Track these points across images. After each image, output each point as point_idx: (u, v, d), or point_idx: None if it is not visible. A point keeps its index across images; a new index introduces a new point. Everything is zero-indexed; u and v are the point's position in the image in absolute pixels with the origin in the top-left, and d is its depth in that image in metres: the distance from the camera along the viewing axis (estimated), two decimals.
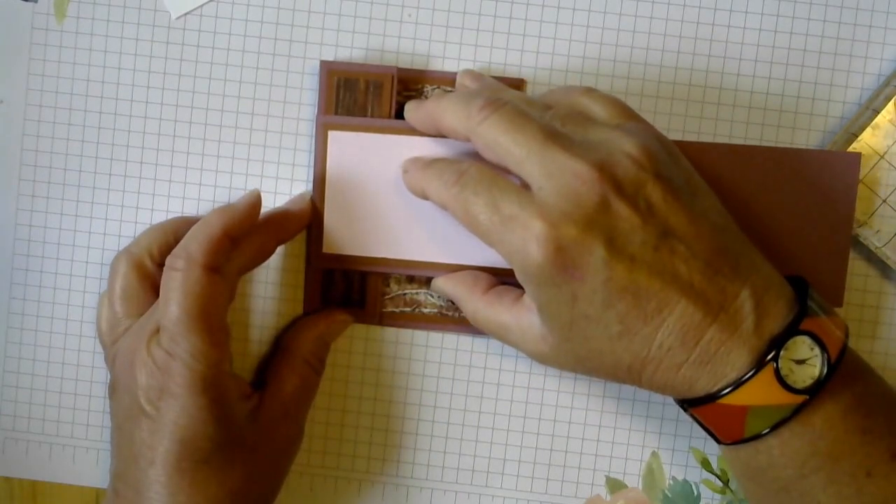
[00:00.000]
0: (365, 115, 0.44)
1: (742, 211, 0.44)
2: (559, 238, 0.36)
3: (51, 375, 0.47)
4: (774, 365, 0.36)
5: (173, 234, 0.43)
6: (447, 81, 0.45)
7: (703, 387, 0.37)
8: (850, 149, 0.44)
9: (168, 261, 0.39)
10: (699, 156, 0.44)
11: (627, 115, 0.40)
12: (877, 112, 0.44)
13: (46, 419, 0.47)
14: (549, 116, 0.39)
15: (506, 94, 0.41)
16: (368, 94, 0.44)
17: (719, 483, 0.46)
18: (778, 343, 0.36)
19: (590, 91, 0.41)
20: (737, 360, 0.36)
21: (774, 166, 0.43)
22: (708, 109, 0.45)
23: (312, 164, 0.45)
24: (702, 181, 0.40)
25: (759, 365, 0.36)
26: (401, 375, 0.46)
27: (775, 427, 0.37)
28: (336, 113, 0.44)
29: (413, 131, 0.44)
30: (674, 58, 0.45)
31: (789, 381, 0.36)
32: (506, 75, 0.45)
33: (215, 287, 0.39)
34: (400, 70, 0.45)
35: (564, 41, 0.45)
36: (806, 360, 0.36)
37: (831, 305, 0.39)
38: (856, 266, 0.46)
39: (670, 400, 0.46)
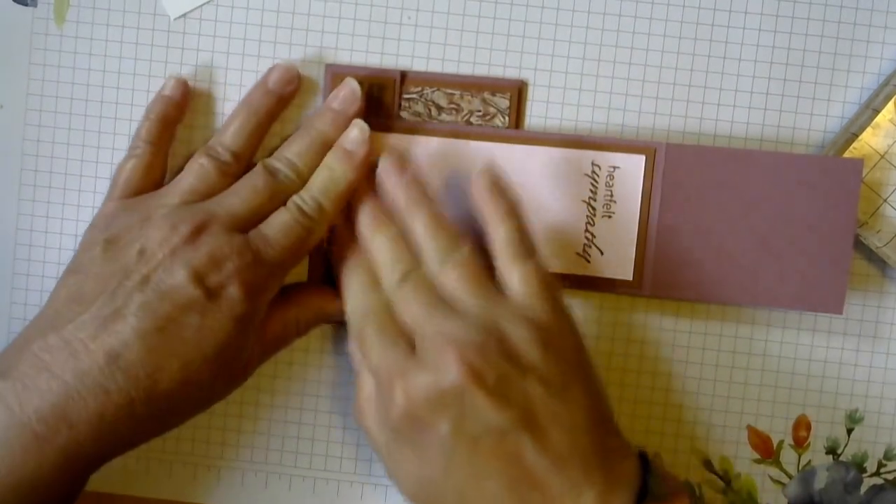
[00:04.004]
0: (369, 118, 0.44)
1: (743, 215, 0.44)
2: (411, 408, 0.38)
3: None
4: None
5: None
6: (449, 84, 0.45)
7: None
8: (851, 148, 0.44)
9: (297, 200, 0.41)
10: (702, 160, 0.44)
11: (541, 293, 0.40)
12: (877, 112, 0.44)
13: None
14: (451, 267, 0.41)
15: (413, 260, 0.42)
16: (372, 97, 0.45)
17: (721, 483, 0.47)
18: None
19: (526, 258, 0.41)
20: None
21: (776, 171, 0.44)
22: (708, 110, 0.45)
23: None
24: (585, 372, 0.40)
25: None
26: None
27: None
28: None
29: (418, 130, 0.44)
30: (673, 59, 0.45)
31: None
32: (506, 77, 0.45)
33: (320, 238, 0.42)
34: (403, 73, 0.45)
35: (564, 42, 0.45)
36: None
37: (677, 479, 0.40)
38: (857, 266, 0.46)
39: (671, 401, 0.46)
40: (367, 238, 0.43)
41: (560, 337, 0.40)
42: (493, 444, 0.38)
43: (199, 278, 0.39)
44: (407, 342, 0.40)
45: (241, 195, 0.41)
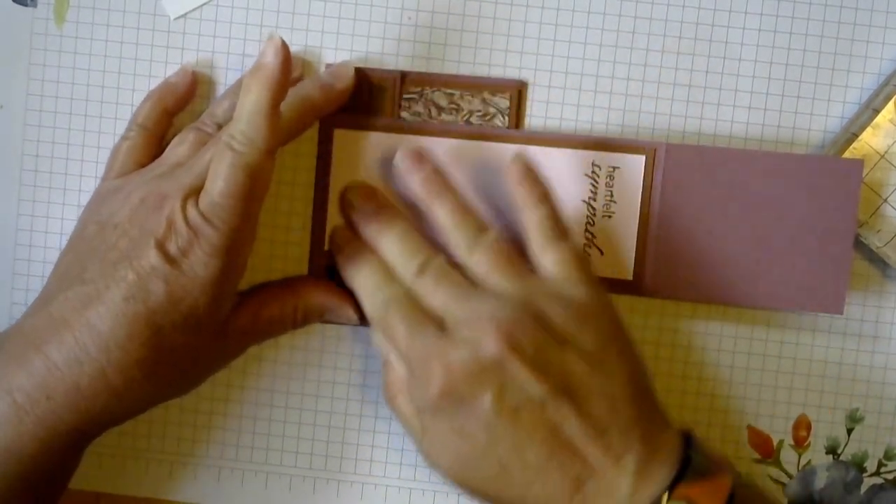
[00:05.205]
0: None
1: (743, 215, 0.44)
2: (451, 385, 0.38)
3: None
4: None
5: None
6: (449, 84, 0.45)
7: None
8: (851, 148, 0.44)
9: (225, 137, 0.39)
10: (701, 160, 0.44)
11: (576, 273, 0.41)
12: (877, 112, 0.44)
13: None
14: (481, 251, 0.41)
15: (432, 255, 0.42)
16: (372, 97, 0.45)
17: None
18: None
19: (560, 239, 0.42)
20: None
21: (776, 171, 0.44)
22: (708, 110, 0.45)
23: (315, 166, 0.45)
24: (622, 346, 0.41)
25: None
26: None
27: None
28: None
29: (418, 130, 0.44)
30: (673, 59, 0.45)
31: None
32: (506, 77, 0.45)
33: (267, 171, 0.39)
34: (403, 73, 0.45)
35: (564, 42, 0.45)
36: None
37: (721, 457, 0.39)
38: (857, 266, 0.46)
39: (671, 401, 0.46)
40: (373, 237, 0.43)
41: (596, 313, 0.40)
42: (533, 414, 0.38)
43: (160, 246, 0.38)
44: (435, 325, 0.40)
45: (207, 159, 0.40)
